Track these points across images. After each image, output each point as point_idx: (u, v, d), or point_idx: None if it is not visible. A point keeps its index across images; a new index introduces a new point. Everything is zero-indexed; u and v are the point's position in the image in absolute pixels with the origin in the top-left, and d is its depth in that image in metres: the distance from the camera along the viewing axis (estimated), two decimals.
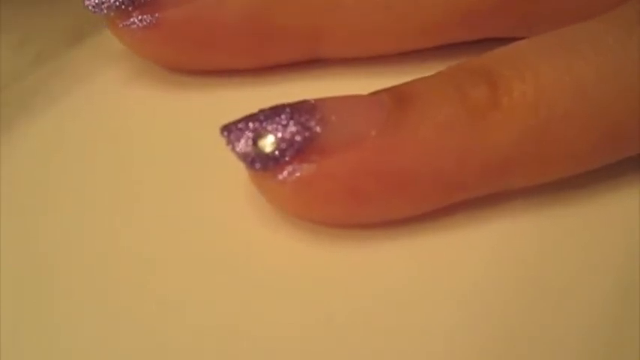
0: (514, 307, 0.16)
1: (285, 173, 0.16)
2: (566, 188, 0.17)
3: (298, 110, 0.16)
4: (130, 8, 0.19)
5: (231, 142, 0.16)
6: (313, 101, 0.16)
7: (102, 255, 0.17)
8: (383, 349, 0.15)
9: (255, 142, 0.16)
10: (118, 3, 0.19)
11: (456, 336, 0.15)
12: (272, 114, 0.16)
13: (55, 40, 0.21)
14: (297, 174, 0.16)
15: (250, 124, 0.16)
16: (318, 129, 0.16)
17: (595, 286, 0.16)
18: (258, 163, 0.16)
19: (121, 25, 0.19)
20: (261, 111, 0.16)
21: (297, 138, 0.16)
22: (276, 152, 0.16)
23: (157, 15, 0.19)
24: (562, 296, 0.16)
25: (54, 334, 0.15)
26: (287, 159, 0.16)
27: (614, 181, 0.17)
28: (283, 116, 0.16)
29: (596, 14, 0.17)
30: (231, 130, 0.16)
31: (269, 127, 0.16)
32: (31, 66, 0.21)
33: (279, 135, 0.16)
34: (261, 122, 0.16)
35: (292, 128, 0.16)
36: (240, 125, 0.16)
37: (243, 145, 0.16)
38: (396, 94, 0.16)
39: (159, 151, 0.19)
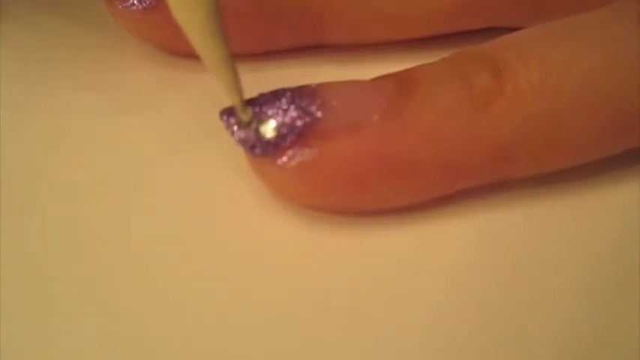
0: (509, 297, 0.15)
1: (284, 158, 0.15)
2: (564, 180, 0.17)
3: (299, 95, 0.16)
4: None
5: (230, 127, 0.16)
6: (314, 86, 0.16)
7: (99, 247, 0.16)
8: (380, 336, 0.15)
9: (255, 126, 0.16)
10: None
11: (451, 321, 0.15)
12: (272, 98, 0.16)
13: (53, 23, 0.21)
14: (297, 159, 0.15)
15: (250, 109, 0.16)
16: (319, 114, 0.15)
17: (591, 277, 0.16)
18: (258, 147, 0.15)
19: (120, 7, 0.19)
20: (262, 95, 0.16)
21: (298, 123, 0.15)
22: (277, 137, 0.15)
23: None
24: (557, 285, 0.16)
25: (54, 331, 0.15)
26: (287, 144, 0.15)
27: (613, 173, 0.17)
28: (284, 100, 0.16)
29: (602, 5, 0.17)
30: (230, 114, 0.16)
31: (269, 112, 0.16)
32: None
33: (280, 120, 0.15)
34: (261, 106, 0.16)
35: (293, 113, 0.15)
36: None
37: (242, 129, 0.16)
38: (399, 80, 0.16)
39: (155, 135, 0.18)
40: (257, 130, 0.15)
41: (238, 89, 0.15)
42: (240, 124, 0.16)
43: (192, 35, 0.15)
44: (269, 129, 0.15)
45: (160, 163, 0.18)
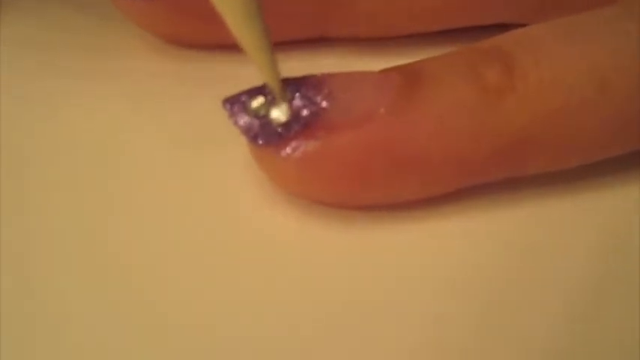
0: (508, 297, 0.15)
1: (288, 149, 0.15)
2: (564, 182, 0.17)
3: (305, 84, 0.15)
4: None
5: (233, 115, 0.15)
6: (320, 75, 0.15)
7: (99, 242, 0.16)
8: (379, 334, 0.15)
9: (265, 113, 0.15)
10: None
11: (451, 320, 0.15)
12: None
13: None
14: (301, 150, 0.15)
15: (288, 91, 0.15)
16: (324, 104, 0.15)
17: (592, 278, 0.15)
18: (261, 137, 0.15)
19: None
20: (266, 85, 0.15)
21: (303, 112, 0.15)
22: (286, 123, 0.15)
23: None
24: (557, 286, 0.15)
25: (55, 331, 0.15)
26: (291, 134, 0.15)
27: (615, 175, 0.17)
28: (289, 90, 0.15)
29: (614, 1, 0.17)
30: (233, 103, 0.15)
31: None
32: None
33: None
34: (265, 95, 0.15)
35: (298, 102, 0.15)
36: (243, 98, 0.15)
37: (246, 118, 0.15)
38: (407, 72, 0.16)
39: (155, 125, 0.18)
40: (269, 116, 0.15)
41: (276, 70, 0.15)
42: (249, 110, 0.15)
43: (229, 17, 0.14)
44: (283, 112, 0.15)
45: (160, 154, 0.18)
